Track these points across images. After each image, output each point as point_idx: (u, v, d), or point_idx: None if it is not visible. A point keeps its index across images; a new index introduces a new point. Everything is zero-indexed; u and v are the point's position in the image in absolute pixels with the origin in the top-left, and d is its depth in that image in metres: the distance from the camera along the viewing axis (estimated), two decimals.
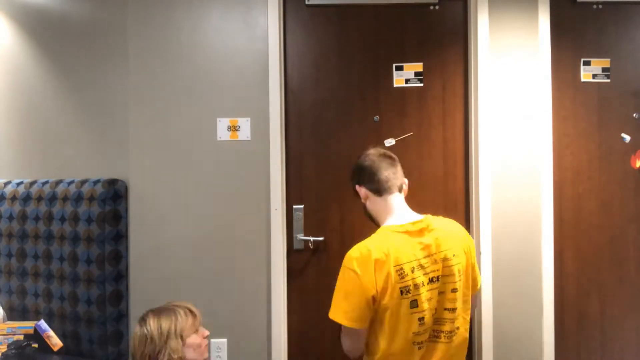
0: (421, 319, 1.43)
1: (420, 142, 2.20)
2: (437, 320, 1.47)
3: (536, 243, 2.12)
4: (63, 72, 2.22)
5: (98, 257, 2.01)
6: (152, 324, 1.49)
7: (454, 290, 1.47)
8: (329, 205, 2.20)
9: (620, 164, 2.20)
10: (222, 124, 2.13)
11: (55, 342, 1.95)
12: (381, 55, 2.20)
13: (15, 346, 1.86)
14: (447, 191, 2.19)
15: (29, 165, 2.28)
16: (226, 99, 2.13)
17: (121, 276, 2.07)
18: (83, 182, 2.08)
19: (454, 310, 1.47)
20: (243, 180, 2.12)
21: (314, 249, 2.19)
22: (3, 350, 1.87)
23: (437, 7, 2.20)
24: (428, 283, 1.44)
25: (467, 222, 2.18)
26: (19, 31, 2.28)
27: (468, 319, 1.54)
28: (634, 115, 2.21)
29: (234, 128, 2.13)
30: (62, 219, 2.07)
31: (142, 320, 1.52)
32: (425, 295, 1.43)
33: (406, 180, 1.61)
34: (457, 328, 1.49)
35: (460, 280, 1.48)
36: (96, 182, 2.06)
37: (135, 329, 1.52)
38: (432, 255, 1.45)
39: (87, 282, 2.02)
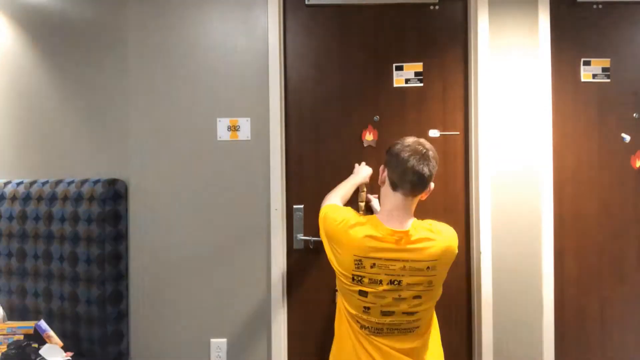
0: (366, 309, 1.49)
1: None
2: (391, 317, 1.49)
3: (536, 243, 2.12)
4: (63, 72, 2.22)
5: (98, 257, 2.01)
6: None
7: (417, 297, 1.49)
8: None
9: (620, 164, 2.20)
10: (222, 124, 2.13)
11: (55, 342, 1.95)
12: (381, 55, 2.20)
13: (15, 346, 1.85)
14: (447, 191, 2.19)
15: (29, 165, 2.28)
16: (226, 99, 2.13)
17: (121, 276, 2.07)
18: (83, 182, 2.08)
19: (413, 314, 1.50)
20: (243, 180, 2.12)
21: (314, 249, 2.19)
22: (3, 350, 1.86)
23: (437, 7, 2.20)
24: (388, 283, 1.47)
25: (467, 221, 2.18)
26: (19, 31, 2.28)
27: (432, 314, 1.59)
28: (634, 115, 2.21)
29: (234, 128, 2.13)
30: (62, 219, 2.07)
31: None
32: (379, 292, 1.47)
33: (432, 185, 1.56)
34: (418, 327, 1.53)
35: (429, 290, 1.50)
36: (96, 182, 2.06)
37: None
38: (401, 260, 1.46)
39: (87, 282, 2.02)
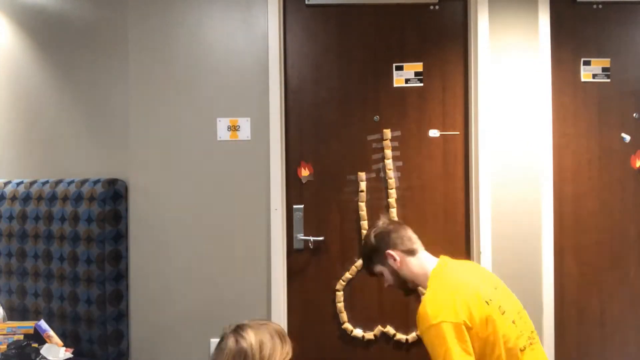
0: (513, 321, 1.47)
1: (421, 142, 2.20)
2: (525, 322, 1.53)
3: (536, 243, 2.12)
4: (63, 72, 2.22)
5: (98, 257, 2.01)
6: (252, 341, 1.21)
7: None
8: (329, 205, 2.20)
9: (620, 164, 2.20)
10: (222, 124, 2.13)
11: (55, 342, 1.95)
12: (381, 55, 2.20)
13: (15, 346, 1.85)
14: (447, 191, 2.19)
15: (29, 165, 2.28)
16: (226, 99, 2.13)
17: (121, 276, 2.07)
18: (83, 182, 2.08)
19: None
20: (243, 180, 2.12)
21: (314, 249, 2.19)
22: (3, 350, 1.86)
23: (437, 7, 2.20)
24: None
25: (467, 222, 2.18)
26: (19, 31, 2.28)
27: None
28: (634, 115, 2.21)
29: (234, 128, 2.13)
30: (62, 219, 2.07)
31: (239, 334, 1.24)
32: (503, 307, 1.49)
33: None
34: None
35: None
36: (96, 182, 2.06)
37: (229, 343, 1.22)
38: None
39: (87, 282, 2.02)
